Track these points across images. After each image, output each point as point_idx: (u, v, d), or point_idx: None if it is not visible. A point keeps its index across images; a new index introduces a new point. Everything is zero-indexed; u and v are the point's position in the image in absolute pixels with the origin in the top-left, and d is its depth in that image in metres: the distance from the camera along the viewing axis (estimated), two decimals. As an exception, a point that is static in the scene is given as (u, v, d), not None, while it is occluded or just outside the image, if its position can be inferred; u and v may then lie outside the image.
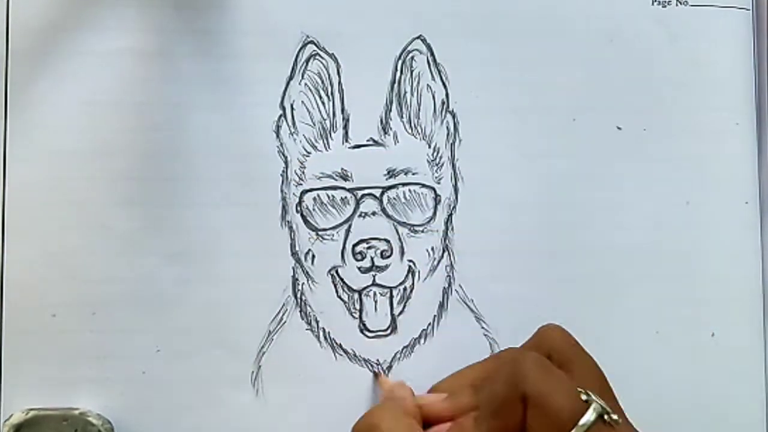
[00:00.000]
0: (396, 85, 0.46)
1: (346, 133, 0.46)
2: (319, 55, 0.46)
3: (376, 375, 0.45)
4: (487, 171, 0.46)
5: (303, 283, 0.45)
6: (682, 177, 0.48)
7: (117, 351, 0.44)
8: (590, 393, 0.37)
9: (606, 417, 0.36)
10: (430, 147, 0.46)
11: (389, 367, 0.45)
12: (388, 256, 0.45)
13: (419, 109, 0.46)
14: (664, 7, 0.48)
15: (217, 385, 0.44)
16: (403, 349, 0.45)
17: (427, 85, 0.46)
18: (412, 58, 0.46)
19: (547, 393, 0.37)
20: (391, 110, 0.46)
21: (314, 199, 0.45)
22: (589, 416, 0.36)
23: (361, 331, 0.45)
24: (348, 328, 0.45)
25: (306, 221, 0.45)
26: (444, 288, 0.46)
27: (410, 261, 0.45)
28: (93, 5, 0.44)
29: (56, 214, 0.44)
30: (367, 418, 0.39)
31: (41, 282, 0.44)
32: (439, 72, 0.47)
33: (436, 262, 0.46)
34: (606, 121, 0.48)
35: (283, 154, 0.45)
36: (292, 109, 0.46)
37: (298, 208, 0.45)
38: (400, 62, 0.46)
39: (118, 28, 0.45)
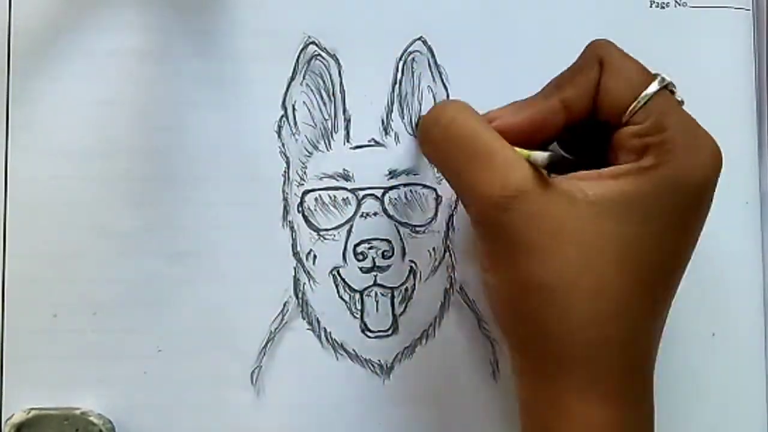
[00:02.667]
0: (397, 86, 0.46)
1: (348, 133, 0.46)
2: (321, 56, 0.46)
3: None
4: (488, 171, 0.46)
5: (304, 284, 0.45)
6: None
7: (118, 351, 0.44)
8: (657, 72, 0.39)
9: (673, 90, 0.38)
10: (431, 147, 0.46)
11: (391, 368, 0.45)
12: (390, 257, 0.45)
13: (420, 110, 0.46)
14: (663, 8, 0.48)
15: (219, 385, 0.44)
16: (404, 350, 0.45)
17: (428, 86, 0.47)
18: (413, 59, 0.46)
19: (620, 55, 0.39)
20: (392, 111, 0.46)
21: (316, 199, 0.45)
22: (661, 81, 0.38)
23: (363, 332, 0.45)
24: (349, 328, 0.45)
25: (307, 221, 0.45)
26: (445, 288, 0.46)
27: (412, 261, 0.45)
28: (94, 5, 0.45)
29: (57, 214, 0.44)
30: (434, 110, 0.41)
31: (42, 282, 0.44)
32: (440, 73, 0.47)
33: (437, 263, 0.46)
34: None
35: (285, 155, 0.45)
36: (294, 109, 0.46)
37: (300, 209, 0.45)
38: (401, 63, 0.46)
39: (119, 28, 0.45)
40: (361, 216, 0.45)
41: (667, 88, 0.38)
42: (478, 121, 0.39)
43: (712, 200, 0.39)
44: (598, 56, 0.39)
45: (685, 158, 0.37)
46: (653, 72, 0.39)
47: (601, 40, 0.40)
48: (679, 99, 0.39)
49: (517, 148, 0.38)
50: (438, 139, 0.39)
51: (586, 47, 0.40)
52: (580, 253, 0.36)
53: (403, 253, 0.45)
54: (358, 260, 0.45)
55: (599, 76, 0.39)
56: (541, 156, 0.37)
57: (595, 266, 0.36)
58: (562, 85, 0.40)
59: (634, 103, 0.38)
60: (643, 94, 0.38)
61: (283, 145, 0.45)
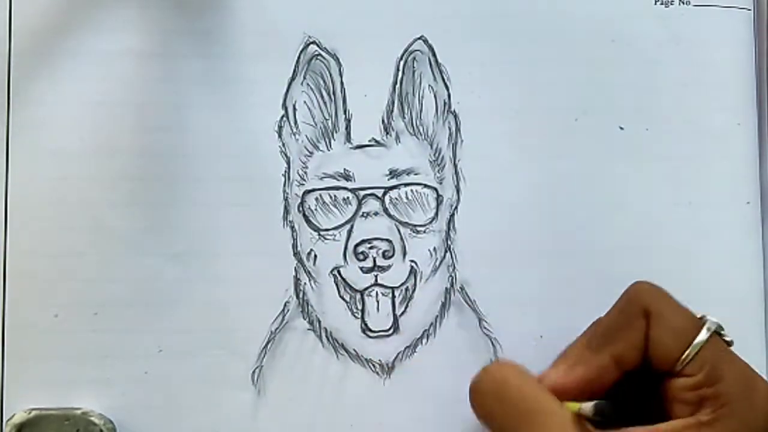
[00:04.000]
0: (398, 85, 0.46)
1: (348, 133, 0.46)
2: (321, 56, 0.46)
3: None
4: (489, 171, 0.46)
5: (305, 283, 0.45)
6: (683, 177, 0.48)
7: (119, 351, 0.44)
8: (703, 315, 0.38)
9: (722, 332, 0.38)
10: (432, 147, 0.46)
11: (391, 368, 0.45)
12: (390, 257, 0.45)
13: (421, 110, 0.46)
14: (667, 6, 0.48)
15: (219, 385, 0.44)
16: (405, 349, 0.45)
17: (429, 85, 0.46)
18: (414, 58, 0.46)
19: (666, 304, 0.38)
20: (393, 111, 0.46)
21: (316, 199, 0.45)
22: (709, 327, 0.37)
23: (363, 332, 0.45)
24: (350, 328, 0.45)
25: (308, 221, 0.45)
26: (446, 288, 0.46)
27: (412, 261, 0.45)
28: (94, 6, 0.45)
29: (58, 214, 0.44)
30: (485, 369, 0.39)
31: (43, 282, 0.44)
32: (441, 72, 0.47)
33: (438, 263, 0.46)
34: (608, 122, 0.48)
35: (285, 155, 0.45)
36: (294, 109, 0.46)
37: (300, 209, 0.45)
38: (401, 63, 0.46)
39: (119, 28, 0.45)
40: (362, 216, 0.45)
41: (717, 333, 0.38)
42: (532, 381, 0.38)
43: None
44: (644, 307, 0.38)
45: (743, 409, 0.36)
46: (700, 316, 0.38)
47: (644, 287, 0.39)
48: (728, 340, 0.38)
49: (567, 403, 0.37)
50: (491, 399, 0.38)
51: (630, 293, 0.39)
52: None
53: (404, 253, 0.45)
54: (359, 260, 0.45)
55: (647, 329, 0.38)
56: (588, 407, 0.36)
57: None
58: (610, 340, 0.39)
59: (685, 354, 0.37)
60: (695, 343, 0.37)
61: (283, 145, 0.45)
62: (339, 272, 0.45)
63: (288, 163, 0.45)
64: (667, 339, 0.37)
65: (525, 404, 0.37)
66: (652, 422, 0.38)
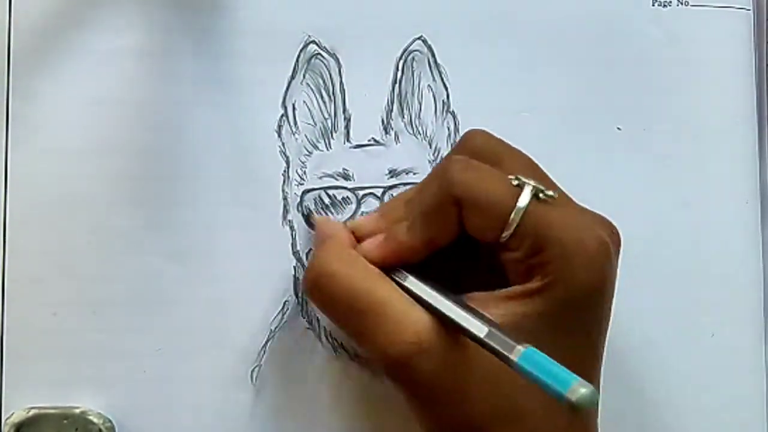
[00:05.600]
0: (397, 85, 0.46)
1: (348, 132, 0.46)
2: (321, 55, 0.46)
3: (307, 217, 0.45)
4: (488, 171, 0.47)
5: (304, 283, 0.45)
6: (682, 177, 0.48)
7: (118, 350, 0.44)
8: (520, 177, 0.37)
9: (541, 195, 0.37)
10: (431, 147, 0.46)
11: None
12: (389, 256, 0.45)
13: (420, 110, 0.46)
14: (665, 7, 0.48)
15: (218, 383, 0.44)
16: (404, 349, 0.45)
17: (428, 85, 0.47)
18: (413, 58, 0.46)
19: (477, 189, 0.37)
20: (392, 110, 0.46)
21: (315, 198, 0.45)
22: (525, 198, 0.36)
23: (363, 331, 0.45)
24: (349, 327, 0.45)
25: (307, 221, 0.45)
26: (445, 288, 0.46)
27: (411, 261, 0.45)
28: (94, 5, 0.45)
29: (57, 213, 0.44)
30: (312, 267, 0.39)
31: (42, 281, 0.44)
32: (440, 73, 0.47)
33: (437, 262, 0.46)
34: (606, 122, 0.48)
35: (285, 154, 0.45)
36: (294, 108, 0.46)
37: (300, 208, 0.45)
38: (401, 62, 0.46)
39: (119, 27, 0.45)
40: (361, 215, 0.45)
41: (536, 197, 0.37)
42: (360, 269, 0.38)
43: (612, 290, 0.38)
44: (454, 195, 0.37)
45: (570, 271, 0.36)
46: (516, 183, 0.37)
47: (456, 167, 0.38)
48: (549, 195, 0.37)
49: None
50: (325, 299, 0.39)
51: (441, 175, 0.38)
52: (495, 387, 0.36)
53: (403, 253, 0.45)
54: (358, 259, 0.45)
55: (460, 216, 0.37)
56: None
57: (514, 395, 0.36)
58: (424, 222, 0.38)
59: (504, 234, 0.36)
60: (509, 221, 0.36)
61: (282, 144, 0.45)
62: (338, 271, 0.45)
63: (287, 162, 0.45)
64: (481, 223, 0.37)
65: (358, 303, 0.37)
66: (492, 285, 0.38)
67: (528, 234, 0.36)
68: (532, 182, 0.37)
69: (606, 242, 0.37)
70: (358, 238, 0.41)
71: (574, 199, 0.40)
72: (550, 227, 0.36)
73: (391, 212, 0.41)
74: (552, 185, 0.39)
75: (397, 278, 0.38)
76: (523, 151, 0.41)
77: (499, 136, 0.41)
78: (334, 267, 0.38)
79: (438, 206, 0.38)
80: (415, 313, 0.36)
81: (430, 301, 0.37)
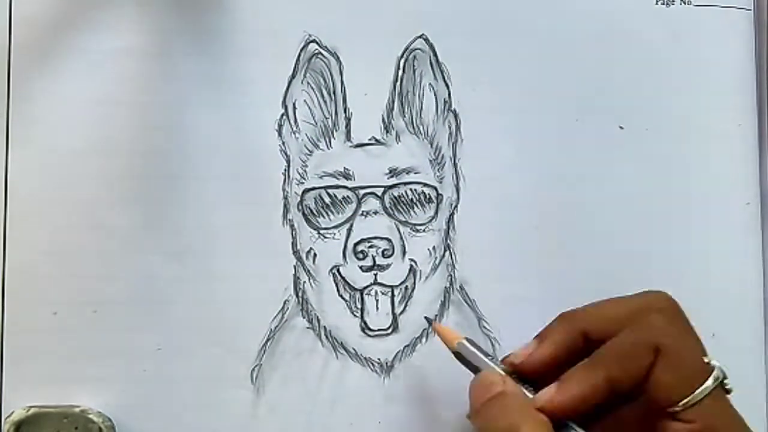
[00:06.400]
0: (398, 84, 0.46)
1: (348, 132, 0.46)
2: (321, 54, 0.46)
3: (429, 322, 0.45)
4: (489, 171, 0.46)
5: (304, 282, 0.45)
6: (683, 177, 0.48)
7: (118, 349, 0.44)
8: (711, 357, 0.37)
9: (725, 381, 0.37)
10: (432, 146, 0.46)
11: (391, 367, 0.45)
12: (390, 255, 0.45)
13: (421, 109, 0.46)
14: (668, 6, 0.48)
15: (218, 383, 0.44)
16: (404, 348, 0.45)
17: (429, 84, 0.46)
18: (414, 57, 0.46)
19: (681, 348, 0.37)
20: (393, 109, 0.46)
21: (316, 198, 0.45)
22: (715, 377, 0.36)
23: (363, 330, 0.45)
24: (349, 327, 0.45)
25: (307, 220, 0.45)
26: (445, 287, 0.46)
27: (412, 260, 0.45)
28: (94, 5, 0.44)
29: (58, 212, 0.44)
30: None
31: (42, 280, 0.44)
32: (441, 71, 0.47)
33: (437, 262, 0.46)
34: (608, 121, 0.48)
35: (285, 153, 0.45)
36: (294, 108, 0.46)
37: (300, 207, 0.45)
38: (402, 61, 0.46)
39: (119, 27, 0.45)
40: (362, 215, 0.45)
41: (722, 384, 0.37)
42: (525, 407, 0.37)
43: None
44: (655, 342, 0.36)
45: None
46: (707, 360, 0.37)
47: (659, 320, 0.37)
48: (728, 388, 0.37)
49: None
50: (481, 410, 0.38)
51: (644, 320, 0.37)
52: None
53: (404, 252, 0.45)
54: (359, 259, 0.45)
55: (653, 365, 0.36)
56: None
57: None
58: (611, 361, 0.37)
59: (687, 399, 0.36)
60: (698, 391, 0.36)
61: (283, 143, 0.45)
62: (338, 271, 0.45)
63: (288, 161, 0.45)
64: (671, 380, 0.36)
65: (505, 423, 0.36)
66: None
67: (706, 412, 0.36)
68: (721, 367, 0.37)
69: None
70: (520, 370, 0.39)
71: None
72: (729, 416, 0.36)
73: (551, 336, 0.39)
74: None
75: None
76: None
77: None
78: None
79: (634, 348, 0.37)
80: None
81: None
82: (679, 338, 0.37)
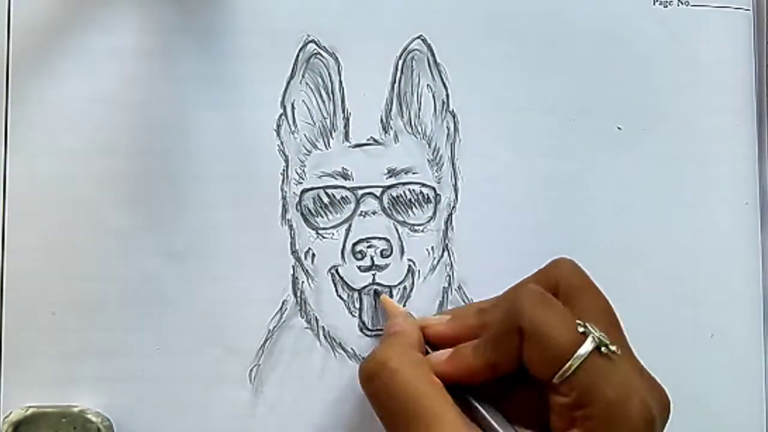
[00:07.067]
0: (396, 84, 0.46)
1: (347, 132, 0.46)
2: (320, 54, 0.46)
3: (377, 294, 0.45)
4: (487, 171, 0.47)
5: (303, 282, 0.45)
6: (682, 177, 0.48)
7: (117, 349, 0.44)
8: (588, 325, 0.37)
9: (603, 348, 0.36)
10: (430, 147, 0.46)
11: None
12: (388, 255, 0.45)
13: (419, 109, 0.46)
14: (666, 7, 0.48)
15: (217, 383, 0.44)
16: (402, 348, 0.45)
17: (428, 84, 0.47)
18: (413, 57, 0.46)
19: (542, 325, 0.37)
20: (391, 110, 0.46)
21: (314, 198, 0.45)
22: (586, 348, 0.36)
23: (361, 330, 0.45)
24: (347, 326, 0.45)
25: (306, 220, 0.45)
26: (444, 287, 0.46)
27: (410, 260, 0.45)
28: (94, 4, 0.45)
29: (56, 212, 0.44)
30: (375, 357, 0.39)
31: (41, 280, 0.44)
32: (440, 72, 0.47)
33: (435, 262, 0.46)
34: (606, 122, 0.48)
35: (284, 153, 0.45)
36: (293, 108, 0.46)
37: (298, 207, 0.45)
38: (400, 62, 0.46)
39: (119, 27, 0.45)
40: (360, 215, 0.45)
41: (597, 348, 0.36)
42: (424, 375, 0.38)
43: None
44: (518, 324, 0.37)
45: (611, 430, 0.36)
46: (581, 330, 0.37)
47: (521, 300, 0.38)
48: (612, 350, 0.36)
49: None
50: (380, 391, 0.38)
51: (510, 301, 0.38)
52: None
53: (402, 252, 0.45)
54: (357, 259, 0.45)
55: (520, 347, 0.37)
56: None
57: None
58: (490, 346, 0.38)
59: (557, 375, 0.36)
60: (567, 364, 0.36)
61: (282, 143, 0.45)
62: (337, 271, 0.45)
63: (286, 161, 0.45)
64: (538, 358, 0.37)
65: (412, 407, 0.37)
66: (534, 420, 0.38)
67: (579, 384, 0.36)
68: (597, 333, 0.37)
69: (652, 415, 0.37)
70: (426, 336, 0.41)
71: (637, 357, 0.39)
72: (602, 384, 0.36)
73: (462, 318, 0.41)
74: (619, 339, 0.39)
75: (455, 395, 0.38)
76: (604, 294, 0.40)
77: (584, 269, 0.41)
78: (397, 364, 0.38)
79: (503, 333, 0.38)
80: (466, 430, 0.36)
81: (484, 426, 0.38)
82: (541, 315, 0.37)
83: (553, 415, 0.37)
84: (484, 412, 0.38)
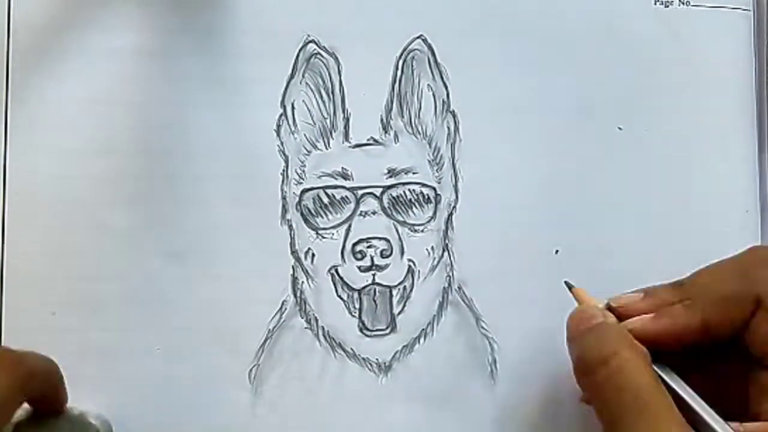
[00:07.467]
0: (397, 84, 0.46)
1: (347, 132, 0.46)
2: (320, 54, 0.46)
3: (569, 287, 0.43)
4: (488, 171, 0.46)
5: (302, 282, 0.45)
6: (682, 178, 0.48)
7: (117, 349, 0.44)
8: None
9: None
10: (430, 147, 0.46)
11: (389, 367, 0.45)
12: (388, 256, 0.45)
13: (420, 109, 0.46)
14: (667, 6, 0.48)
15: (217, 383, 0.44)
16: (402, 348, 0.45)
17: (428, 84, 0.46)
18: (413, 57, 0.46)
19: None
20: (391, 110, 0.46)
21: (314, 198, 0.45)
22: None
23: (361, 330, 0.45)
24: (347, 327, 0.45)
25: (306, 220, 0.45)
26: (444, 287, 0.46)
27: (410, 260, 0.45)
28: (93, 4, 0.45)
29: (56, 212, 0.44)
30: (598, 347, 0.37)
31: (41, 280, 0.44)
32: (440, 72, 0.47)
33: (435, 262, 0.46)
34: (607, 122, 0.48)
35: (284, 153, 0.45)
36: (293, 108, 0.46)
37: (298, 207, 0.45)
38: (400, 62, 0.46)
39: (119, 27, 0.45)
40: (360, 215, 0.45)
41: None
42: (648, 373, 0.36)
43: None
44: (758, 294, 0.36)
45: None
46: None
47: (764, 273, 0.37)
48: None
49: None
50: (602, 381, 0.37)
51: (750, 270, 0.37)
52: None
53: (402, 252, 0.45)
54: (357, 259, 0.45)
55: (752, 315, 0.36)
56: None
57: None
58: (708, 303, 0.37)
59: None
60: None
61: (282, 143, 0.45)
62: (337, 271, 0.45)
63: (286, 161, 0.45)
64: None
65: (638, 399, 0.35)
66: (729, 403, 0.36)
67: None
68: None
69: None
70: (620, 315, 0.40)
71: None
72: None
73: (657, 293, 0.40)
74: None
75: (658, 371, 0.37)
76: None
77: None
78: (623, 359, 0.36)
79: (734, 295, 0.37)
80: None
81: (699, 411, 0.36)
82: None
83: (759, 402, 0.36)
84: (696, 397, 0.37)
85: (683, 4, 0.48)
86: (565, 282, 0.43)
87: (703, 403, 0.36)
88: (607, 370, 0.36)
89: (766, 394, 0.36)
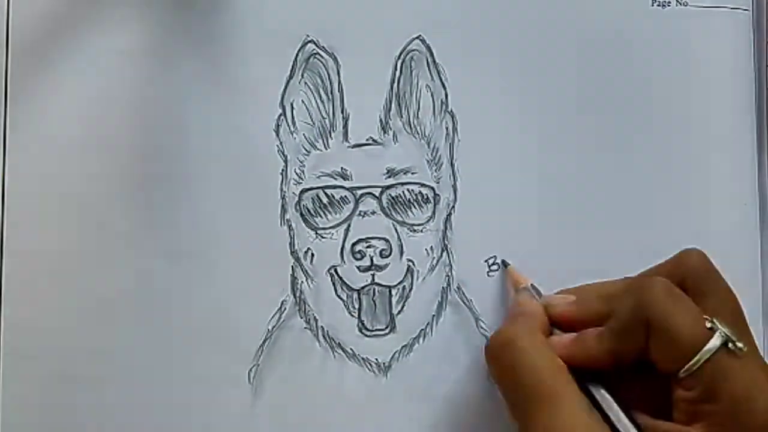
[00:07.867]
0: (395, 84, 0.46)
1: (346, 132, 0.46)
2: (319, 55, 0.46)
3: (505, 265, 0.45)
4: (486, 171, 0.47)
5: (302, 282, 0.45)
6: (682, 178, 0.48)
7: (116, 349, 0.44)
8: (716, 321, 0.37)
9: (730, 345, 0.36)
10: (429, 147, 0.46)
11: (388, 367, 0.45)
12: (387, 256, 0.45)
13: (418, 109, 0.46)
14: (664, 7, 0.48)
15: (216, 383, 0.44)
16: (401, 348, 0.45)
17: (427, 85, 0.47)
18: (412, 58, 0.46)
19: (669, 320, 0.37)
20: (390, 110, 0.46)
21: (313, 198, 0.45)
22: (713, 343, 0.36)
23: (360, 330, 0.45)
24: (347, 326, 0.45)
25: (305, 220, 0.45)
26: (443, 287, 0.46)
27: (409, 260, 0.45)
28: (93, 4, 0.45)
29: (55, 212, 0.44)
30: (504, 334, 0.40)
31: (41, 280, 0.44)
32: (438, 72, 0.47)
33: (435, 262, 0.46)
34: (606, 122, 0.48)
35: (283, 153, 0.45)
36: (292, 108, 0.46)
37: (298, 207, 0.45)
38: (399, 62, 0.46)
39: (118, 27, 0.45)
40: (359, 215, 0.45)
41: (726, 345, 0.36)
42: (549, 355, 0.39)
43: None
44: (646, 317, 0.37)
45: (737, 429, 0.36)
46: (709, 326, 0.37)
47: (651, 292, 0.38)
48: (738, 346, 0.37)
49: None
50: (506, 367, 0.39)
51: (638, 296, 0.38)
52: None
53: (401, 252, 0.45)
54: (356, 259, 0.45)
55: (647, 340, 0.37)
56: None
57: None
58: (614, 337, 0.39)
59: (683, 370, 0.36)
60: (695, 359, 0.36)
61: (281, 143, 0.45)
62: (336, 271, 0.45)
63: (285, 161, 0.45)
64: (665, 352, 0.37)
65: (538, 387, 0.38)
66: (656, 408, 0.38)
67: (705, 379, 0.36)
68: (725, 330, 0.37)
69: None
70: (550, 316, 0.42)
71: (761, 354, 0.39)
72: (727, 380, 0.36)
73: (587, 303, 0.41)
74: (745, 336, 0.39)
75: (576, 379, 0.39)
76: (731, 289, 0.40)
77: (712, 263, 0.41)
78: (526, 342, 0.39)
79: (629, 324, 0.38)
80: (584, 413, 0.37)
81: (609, 414, 0.38)
82: (670, 310, 0.37)
83: (676, 408, 0.37)
84: (606, 396, 0.38)
85: (681, 4, 0.48)
86: (502, 261, 0.45)
87: (627, 422, 0.38)
88: (509, 354, 0.39)
89: (679, 405, 0.37)
